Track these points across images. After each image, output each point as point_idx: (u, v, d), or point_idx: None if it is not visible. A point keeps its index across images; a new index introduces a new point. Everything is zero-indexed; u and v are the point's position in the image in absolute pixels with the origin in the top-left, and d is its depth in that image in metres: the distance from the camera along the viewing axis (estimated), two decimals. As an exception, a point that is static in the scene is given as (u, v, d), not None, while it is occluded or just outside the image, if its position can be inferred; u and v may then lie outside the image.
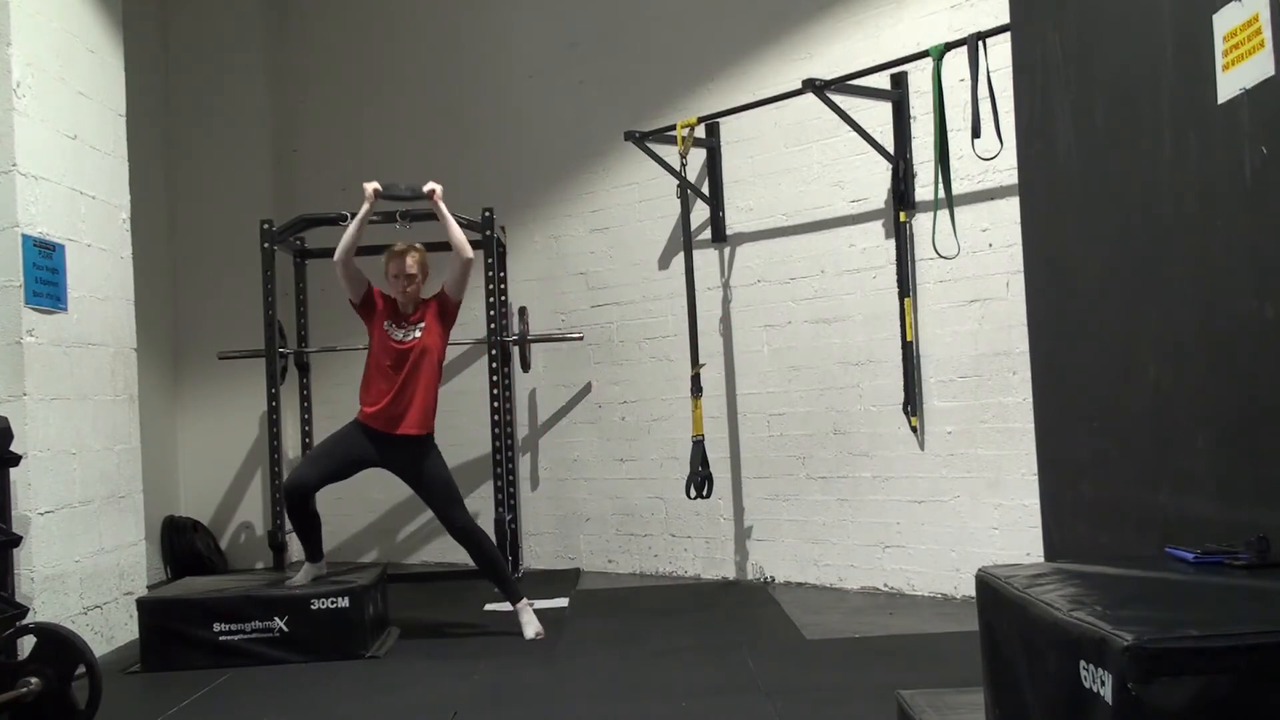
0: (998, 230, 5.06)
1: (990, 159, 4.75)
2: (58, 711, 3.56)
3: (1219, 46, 2.17)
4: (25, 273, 4.53)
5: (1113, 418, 2.71)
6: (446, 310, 4.89)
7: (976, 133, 4.65)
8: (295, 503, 4.79)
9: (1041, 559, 3.36)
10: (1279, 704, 1.42)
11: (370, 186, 4.85)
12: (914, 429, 5.41)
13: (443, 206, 4.85)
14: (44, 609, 4.45)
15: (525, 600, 4.93)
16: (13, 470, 3.93)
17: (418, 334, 4.81)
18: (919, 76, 5.30)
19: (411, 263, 4.78)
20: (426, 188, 4.87)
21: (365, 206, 4.84)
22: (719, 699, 3.83)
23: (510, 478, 6.54)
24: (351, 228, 4.78)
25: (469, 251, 4.82)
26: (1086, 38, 2.81)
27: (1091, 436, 2.83)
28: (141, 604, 4.76)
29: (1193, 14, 2.27)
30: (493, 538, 6.28)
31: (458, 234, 4.82)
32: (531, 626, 4.83)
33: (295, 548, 6.91)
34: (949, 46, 4.91)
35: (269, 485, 6.50)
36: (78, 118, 5.02)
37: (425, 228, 6.34)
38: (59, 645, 3.63)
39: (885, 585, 5.54)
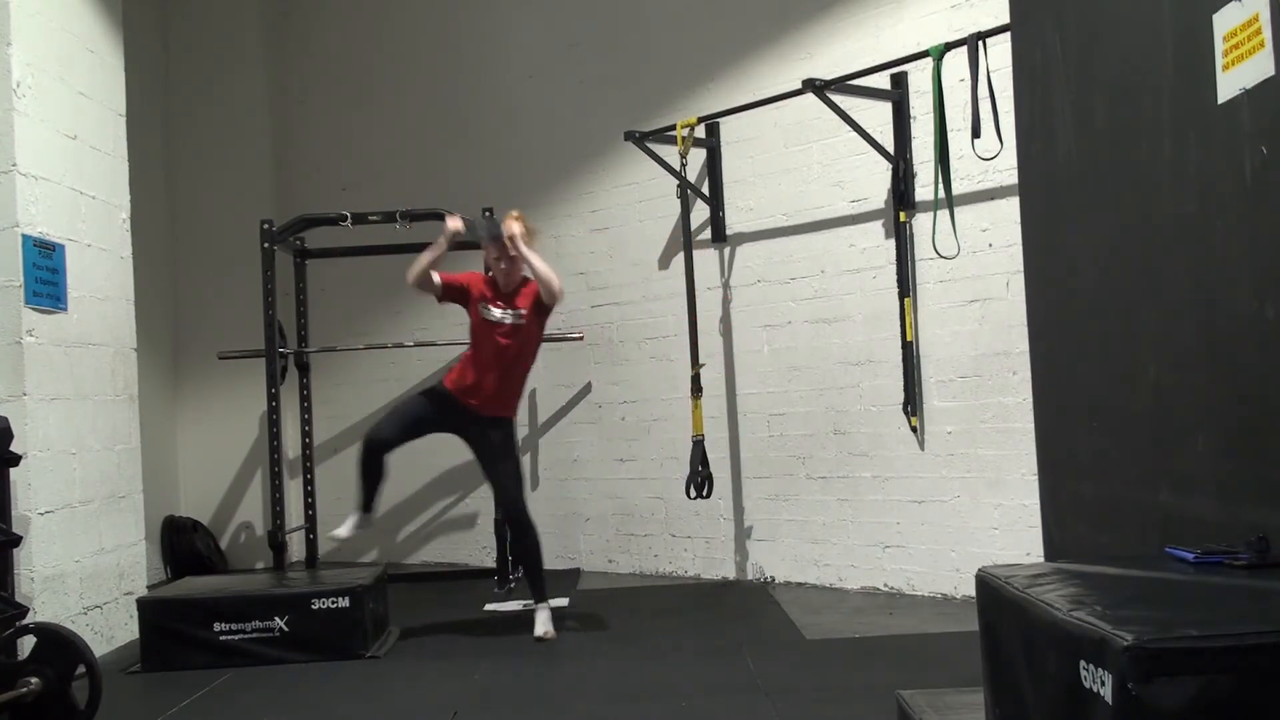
0: (998, 230, 5.06)
1: (990, 159, 4.75)
2: (58, 711, 3.56)
3: (1219, 46, 2.17)
4: (25, 273, 4.53)
5: (1113, 418, 2.71)
6: (543, 308, 4.89)
7: (976, 133, 4.65)
8: (371, 455, 4.88)
9: (1041, 559, 3.36)
10: (1279, 704, 1.42)
11: (453, 224, 4.79)
12: (914, 429, 5.41)
13: (523, 249, 4.77)
14: (44, 609, 4.45)
15: (548, 602, 4.93)
16: (13, 470, 3.93)
17: (512, 320, 4.83)
18: (919, 76, 5.30)
19: (515, 234, 4.74)
20: (507, 232, 4.76)
21: (442, 241, 4.78)
22: (719, 699, 3.83)
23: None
24: (425, 256, 4.76)
25: (556, 287, 4.75)
26: (1086, 38, 2.81)
27: (1091, 436, 2.83)
28: (141, 604, 4.76)
29: (1193, 14, 2.27)
30: (493, 538, 6.33)
31: (544, 272, 4.74)
32: (542, 626, 4.82)
33: (295, 548, 6.93)
34: (949, 46, 4.91)
35: (269, 485, 6.50)
36: (78, 118, 5.02)
37: (425, 228, 6.35)
38: (59, 645, 3.63)
39: (885, 585, 5.54)
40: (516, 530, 4.95)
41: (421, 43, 7.43)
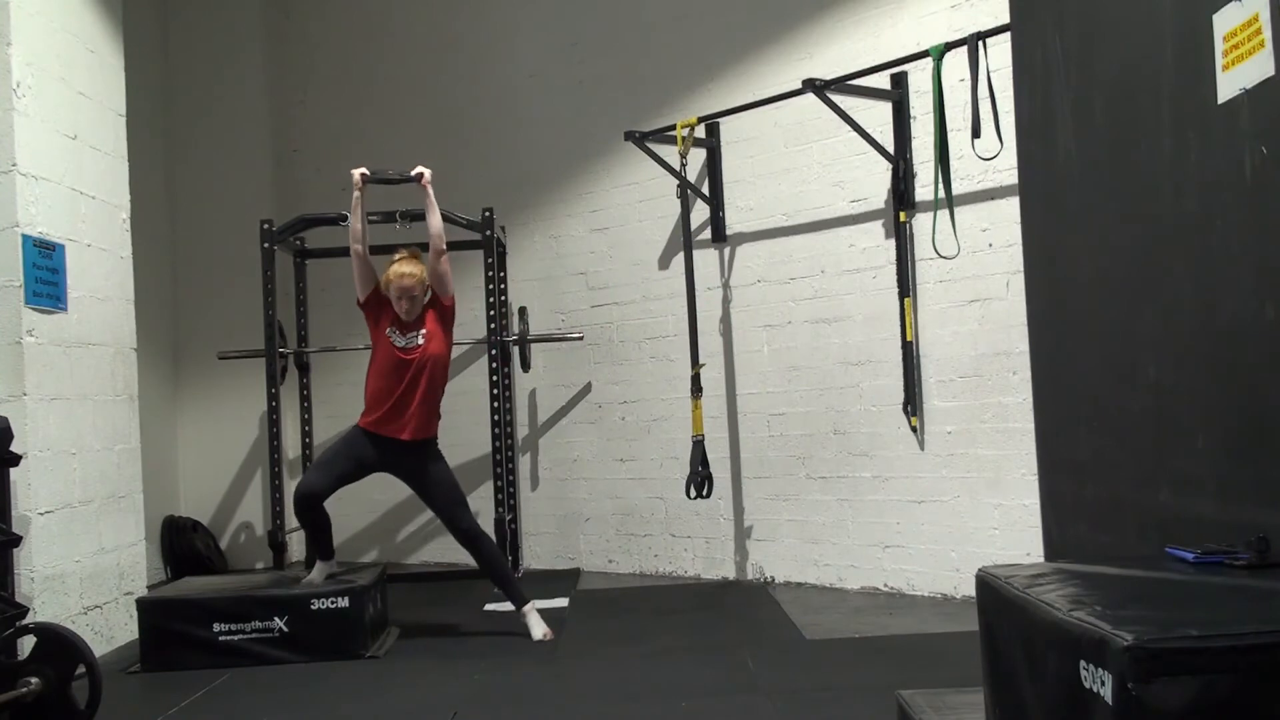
0: (998, 230, 5.06)
1: (990, 159, 4.75)
2: (58, 711, 3.56)
3: (1219, 46, 2.17)
4: (25, 273, 4.53)
5: (1113, 418, 2.71)
6: (444, 313, 4.87)
7: (976, 133, 4.65)
8: (305, 509, 4.77)
9: (1041, 559, 3.36)
10: (1279, 704, 1.42)
11: (357, 172, 4.86)
12: (914, 429, 5.41)
13: (430, 191, 4.85)
14: (44, 609, 4.45)
15: (531, 603, 4.92)
16: (13, 470, 3.93)
17: (420, 340, 4.78)
18: (919, 76, 5.30)
19: (413, 283, 4.74)
20: (415, 170, 4.89)
21: (355, 194, 4.83)
22: (719, 699, 3.83)
23: (510, 478, 6.54)
24: (353, 220, 4.81)
25: (442, 242, 4.80)
26: (1086, 38, 2.81)
27: (1091, 436, 2.83)
28: (141, 604, 4.76)
29: (1193, 14, 2.27)
30: (493, 538, 6.32)
31: (437, 223, 4.82)
32: (539, 628, 4.82)
33: (295, 548, 6.92)
34: (949, 46, 4.91)
35: (269, 485, 6.51)
36: (78, 118, 5.02)
37: (423, 227, 6.34)
38: (59, 645, 3.63)
39: (885, 585, 5.54)
40: (472, 546, 4.88)
41: (422, 43, 7.43)
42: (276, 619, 4.62)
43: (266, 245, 6.24)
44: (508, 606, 5.01)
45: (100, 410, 5.06)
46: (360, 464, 4.84)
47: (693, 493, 5.85)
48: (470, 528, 4.87)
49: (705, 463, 5.87)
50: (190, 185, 7.52)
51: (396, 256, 4.84)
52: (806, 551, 5.86)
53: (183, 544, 7.11)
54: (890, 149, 5.41)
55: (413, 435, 4.77)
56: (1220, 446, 2.24)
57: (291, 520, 6.78)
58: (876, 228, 5.56)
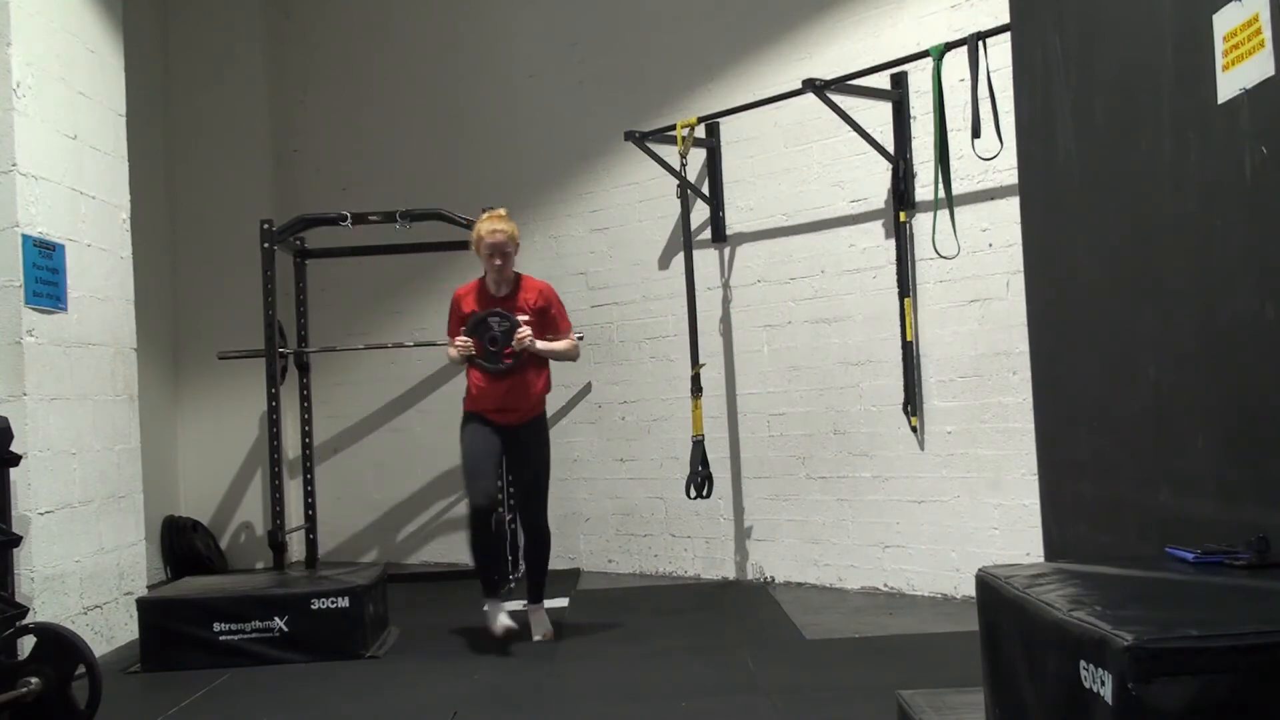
0: (998, 230, 5.06)
1: (990, 159, 4.75)
2: (58, 711, 3.56)
3: (1219, 46, 2.17)
4: (25, 273, 4.53)
5: (1113, 418, 2.71)
6: (546, 314, 4.75)
7: (976, 133, 4.65)
8: (485, 523, 4.57)
9: (1041, 559, 3.36)
10: (1279, 704, 1.42)
11: (461, 341, 4.64)
12: (914, 429, 5.41)
13: (539, 346, 4.67)
14: (44, 609, 4.45)
15: (543, 603, 4.91)
16: (13, 470, 3.93)
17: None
18: (919, 76, 5.30)
19: (505, 238, 4.63)
20: (521, 333, 4.60)
21: (454, 351, 4.71)
22: (719, 699, 3.83)
23: (510, 478, 6.53)
24: (450, 353, 4.79)
25: (578, 352, 4.94)
26: (1086, 38, 2.81)
27: (1091, 436, 2.83)
28: (141, 604, 4.76)
29: (1193, 14, 2.27)
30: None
31: (565, 354, 4.81)
32: (541, 627, 4.81)
33: (295, 548, 6.92)
34: (949, 46, 4.91)
35: (269, 485, 6.50)
36: (78, 118, 5.02)
37: (425, 227, 6.36)
38: (59, 645, 3.63)
39: (885, 585, 5.54)
40: (537, 537, 4.80)
41: (422, 43, 7.43)
42: (276, 619, 4.62)
43: (266, 245, 6.24)
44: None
45: (100, 410, 5.06)
46: (498, 445, 4.72)
47: (693, 493, 5.85)
48: (544, 520, 4.81)
49: (705, 463, 5.87)
50: (190, 185, 7.52)
51: (484, 214, 4.75)
52: (806, 551, 5.86)
53: (183, 544, 7.11)
54: (890, 149, 5.41)
55: (525, 417, 4.74)
56: (1220, 446, 2.24)
57: (292, 520, 6.80)
58: (876, 228, 5.56)
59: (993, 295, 5.12)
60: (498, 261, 4.64)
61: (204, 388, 7.46)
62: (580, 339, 6.61)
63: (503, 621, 4.66)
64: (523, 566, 5.08)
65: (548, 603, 5.53)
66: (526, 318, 4.66)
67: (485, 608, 4.72)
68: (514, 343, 4.60)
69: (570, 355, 4.87)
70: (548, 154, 6.90)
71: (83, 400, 4.92)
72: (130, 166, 5.47)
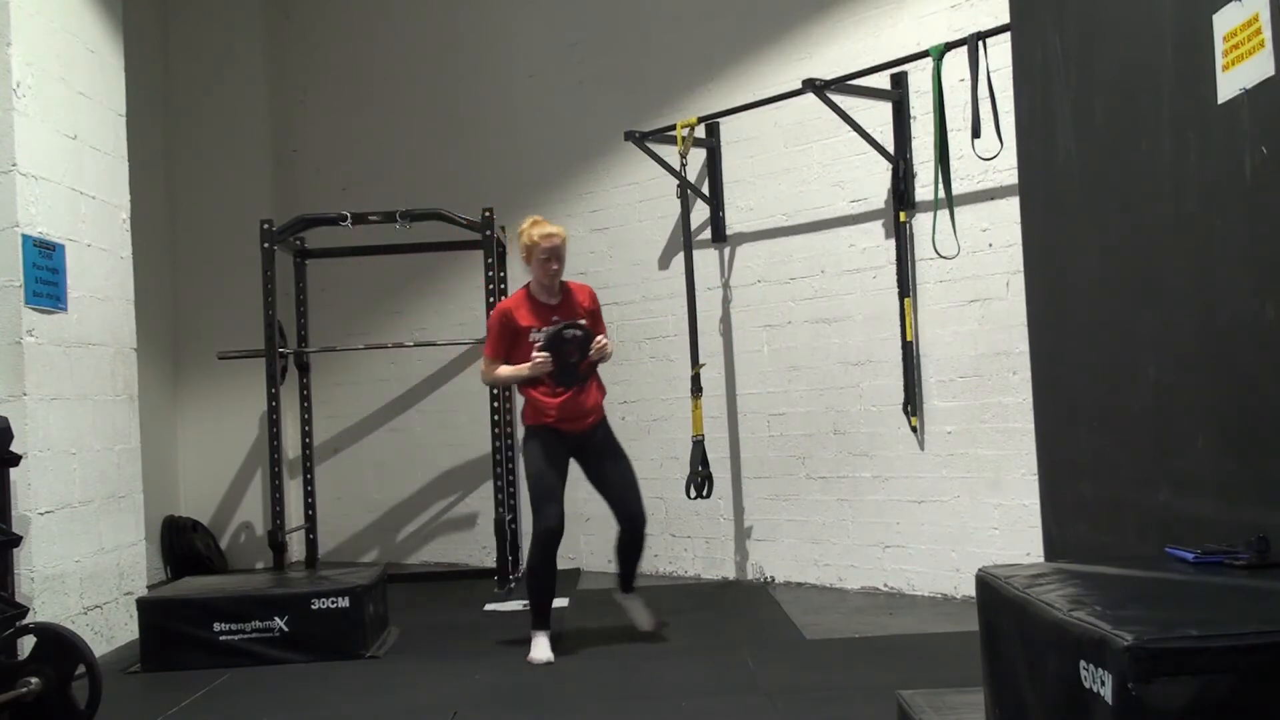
0: (998, 230, 5.06)
1: (990, 159, 4.75)
2: (58, 711, 3.56)
3: (1219, 46, 2.17)
4: (25, 273, 4.53)
5: (1113, 418, 2.71)
6: (597, 316, 4.77)
7: (976, 133, 4.65)
8: (553, 548, 4.48)
9: (1041, 559, 3.36)
10: (1279, 704, 1.42)
11: (540, 357, 4.47)
12: (914, 429, 5.41)
13: (610, 350, 4.67)
14: (44, 609, 4.45)
15: (635, 593, 4.89)
16: (13, 470, 3.93)
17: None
18: (919, 76, 5.30)
19: (560, 241, 4.54)
20: (599, 341, 4.57)
21: (527, 369, 4.50)
22: (719, 699, 3.83)
23: (510, 477, 6.53)
24: (505, 374, 4.60)
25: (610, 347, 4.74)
26: (1086, 38, 2.81)
27: (1091, 436, 2.83)
28: (141, 604, 4.76)
29: (1193, 14, 2.27)
30: (493, 537, 6.32)
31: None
32: (635, 613, 4.81)
33: (295, 548, 6.93)
34: (949, 46, 4.91)
35: (269, 485, 6.50)
36: (78, 118, 5.02)
37: (425, 227, 6.36)
38: (59, 645, 3.63)
39: (885, 585, 5.54)
40: (637, 528, 4.72)
41: (422, 43, 7.43)
42: (276, 619, 4.62)
43: (266, 245, 6.24)
44: (508, 606, 5.01)
45: (100, 410, 5.06)
46: (564, 459, 4.63)
47: (693, 493, 5.85)
48: (643, 516, 4.77)
49: (705, 463, 5.87)
50: (190, 185, 7.52)
51: (529, 222, 4.60)
52: (806, 551, 5.86)
53: (183, 544, 7.12)
54: (890, 149, 5.41)
55: (592, 421, 4.67)
56: (1220, 446, 2.24)
57: (292, 520, 6.80)
58: (876, 228, 5.56)
59: (993, 295, 5.12)
60: (554, 266, 4.54)
61: (204, 388, 7.46)
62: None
63: (546, 655, 4.45)
64: (614, 559, 4.93)
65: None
66: (583, 322, 4.61)
67: (535, 637, 4.51)
68: (592, 352, 4.53)
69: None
70: (548, 154, 6.90)
71: (83, 400, 4.92)
72: (130, 166, 5.47)
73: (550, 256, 4.53)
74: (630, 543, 4.78)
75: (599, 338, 4.57)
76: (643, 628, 4.79)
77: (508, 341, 4.57)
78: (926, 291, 5.36)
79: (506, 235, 6.85)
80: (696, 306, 6.00)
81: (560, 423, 4.54)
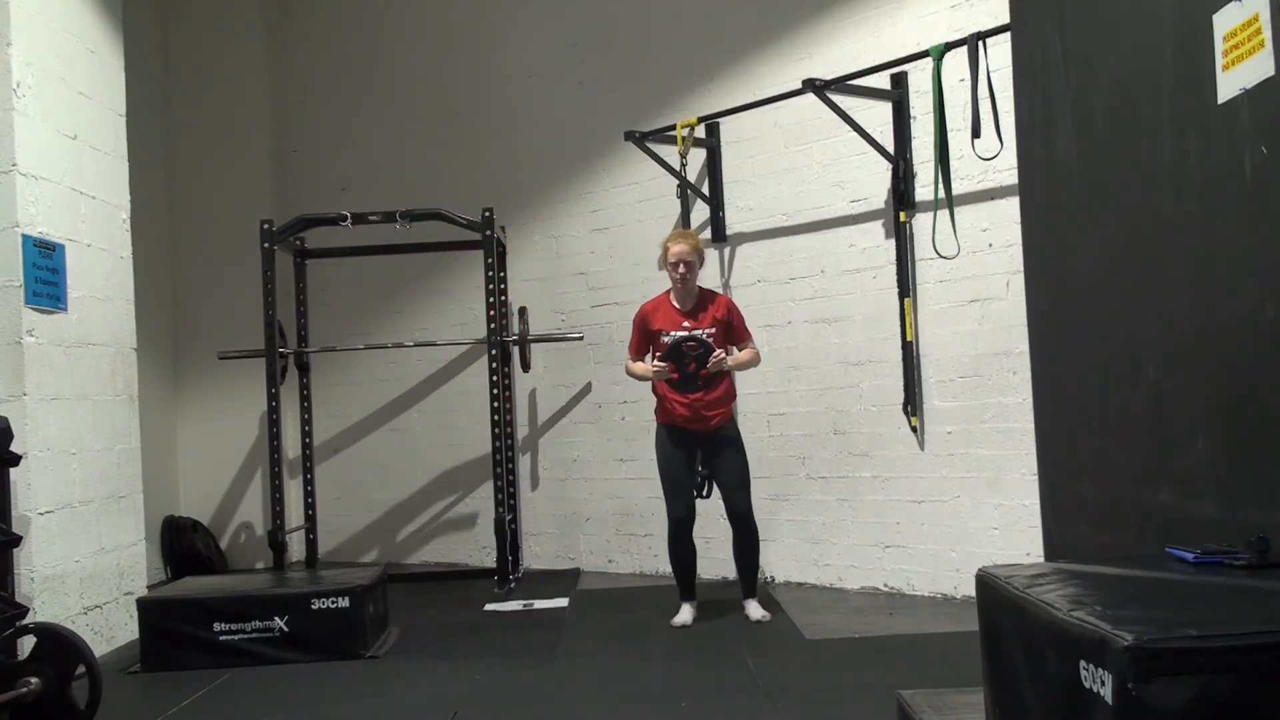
0: (998, 230, 5.06)
1: (990, 159, 4.75)
2: (58, 711, 3.56)
3: (1219, 46, 2.17)
4: (25, 273, 4.53)
5: (1113, 418, 2.71)
6: (732, 329, 5.04)
7: (976, 133, 4.65)
8: (686, 534, 5.00)
9: (1041, 559, 3.36)
10: (1279, 704, 1.42)
11: (659, 366, 4.93)
12: (914, 429, 5.41)
13: (727, 363, 4.95)
14: (44, 609, 4.45)
15: (755, 598, 5.10)
16: (13, 470, 3.93)
17: (705, 337, 4.92)
18: (919, 76, 5.30)
19: (689, 252, 4.95)
20: (717, 356, 4.88)
21: (651, 373, 4.97)
22: (719, 699, 3.83)
23: (510, 478, 6.54)
24: (638, 370, 5.07)
25: (759, 358, 5.14)
26: (1086, 38, 2.81)
27: (1091, 436, 2.83)
28: (141, 604, 4.76)
29: (1193, 14, 2.27)
30: (492, 538, 6.32)
31: (749, 364, 5.09)
32: (756, 613, 5.01)
33: (296, 548, 6.93)
34: (949, 46, 4.91)
35: (269, 485, 6.50)
36: (78, 118, 5.02)
37: (425, 227, 6.36)
38: (59, 645, 3.63)
39: (885, 585, 5.54)
40: (746, 528, 5.02)
41: (422, 43, 7.43)
42: (276, 619, 4.62)
43: (266, 245, 6.24)
44: (508, 606, 5.01)
45: (100, 410, 5.06)
46: (692, 457, 5.03)
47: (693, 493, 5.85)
48: (750, 516, 5.03)
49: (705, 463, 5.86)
50: (190, 185, 7.52)
51: (676, 234, 5.15)
52: (806, 551, 5.86)
53: (183, 544, 7.12)
54: (890, 149, 5.41)
55: (723, 420, 5.02)
56: (1220, 447, 2.24)
57: (292, 520, 6.80)
58: (876, 228, 5.56)
59: (993, 295, 5.12)
60: (681, 270, 4.93)
61: (204, 388, 7.46)
62: (580, 338, 6.68)
63: (684, 619, 5.00)
64: (737, 562, 5.19)
65: (548, 602, 5.55)
66: (712, 330, 4.95)
67: (683, 606, 5.06)
68: (710, 364, 4.88)
69: (754, 363, 5.12)
70: (548, 154, 6.90)
71: (83, 400, 4.92)
72: (130, 166, 5.47)
73: (678, 262, 4.94)
74: (741, 542, 5.07)
75: (717, 351, 4.89)
76: (754, 618, 4.99)
77: (643, 339, 5.06)
78: (926, 291, 5.36)
79: (506, 235, 6.85)
80: (696, 306, 5.99)
81: (686, 422, 4.94)
